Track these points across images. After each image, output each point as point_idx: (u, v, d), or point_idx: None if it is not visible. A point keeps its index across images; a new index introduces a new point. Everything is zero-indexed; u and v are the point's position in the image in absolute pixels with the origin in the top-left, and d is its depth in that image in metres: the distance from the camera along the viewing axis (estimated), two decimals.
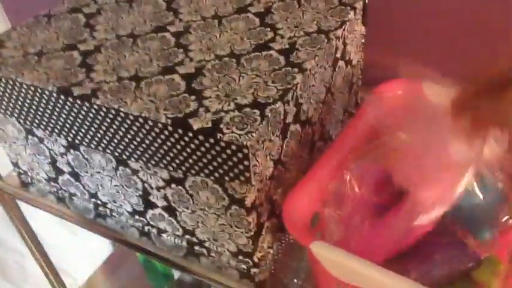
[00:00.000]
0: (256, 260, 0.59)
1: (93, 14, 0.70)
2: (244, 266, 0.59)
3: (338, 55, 0.64)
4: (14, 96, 0.61)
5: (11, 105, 0.62)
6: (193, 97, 0.53)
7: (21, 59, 0.62)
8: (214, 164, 0.51)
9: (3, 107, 0.64)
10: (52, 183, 0.72)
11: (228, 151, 0.49)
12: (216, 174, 0.52)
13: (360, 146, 0.57)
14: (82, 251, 1.22)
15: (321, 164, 0.56)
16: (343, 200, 0.52)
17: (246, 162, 0.48)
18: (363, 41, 0.72)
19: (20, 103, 0.61)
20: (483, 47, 0.67)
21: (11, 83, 0.59)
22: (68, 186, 0.70)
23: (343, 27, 0.63)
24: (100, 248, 1.20)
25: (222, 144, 0.48)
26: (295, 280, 0.62)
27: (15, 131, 0.67)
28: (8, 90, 0.61)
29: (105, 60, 0.60)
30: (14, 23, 1.01)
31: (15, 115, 0.63)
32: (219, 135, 0.48)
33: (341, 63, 0.66)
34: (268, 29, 0.63)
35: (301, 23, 0.64)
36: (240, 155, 0.48)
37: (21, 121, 0.64)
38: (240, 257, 0.59)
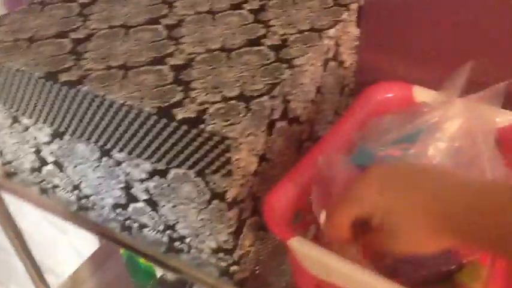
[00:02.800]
0: (236, 257, 0.57)
1: (88, 3, 0.69)
2: (223, 264, 0.58)
3: (330, 55, 0.64)
4: (1, 81, 0.60)
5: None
6: (180, 88, 0.53)
7: (12, 44, 0.61)
8: (197, 156, 0.50)
9: None
10: (36, 174, 0.71)
11: (211, 142, 0.48)
12: (198, 167, 0.51)
13: (345, 145, 0.57)
14: (67, 248, 1.21)
15: (306, 162, 0.55)
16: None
17: (228, 155, 0.48)
18: (357, 43, 0.71)
19: (7, 88, 0.61)
20: (478, 50, 0.66)
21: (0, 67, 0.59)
22: (51, 177, 0.69)
23: (336, 27, 0.62)
24: (85, 244, 1.19)
25: (205, 135, 0.48)
26: (280, 281, 0.61)
27: (1, 118, 0.66)
28: None
29: (95, 48, 0.60)
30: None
31: (2, 101, 0.63)
32: (202, 125, 0.47)
33: (333, 63, 0.66)
34: (261, 26, 0.63)
35: (295, 21, 0.63)
36: (222, 146, 0.47)
37: (8, 107, 0.63)
38: (220, 254, 0.58)
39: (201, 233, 0.58)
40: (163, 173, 0.55)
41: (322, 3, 0.66)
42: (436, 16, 0.70)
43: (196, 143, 0.49)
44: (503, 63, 0.65)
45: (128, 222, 0.64)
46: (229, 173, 0.49)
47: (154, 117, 0.50)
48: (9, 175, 0.74)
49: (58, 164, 0.66)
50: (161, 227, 0.62)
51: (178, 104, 0.50)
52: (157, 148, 0.52)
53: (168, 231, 0.61)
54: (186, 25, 0.64)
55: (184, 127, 0.49)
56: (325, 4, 0.66)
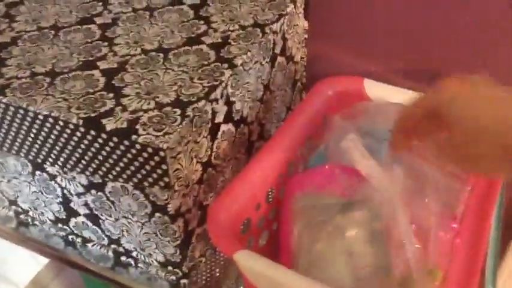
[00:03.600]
0: (185, 270, 0.54)
1: (15, 3, 0.64)
2: (173, 277, 0.55)
3: (277, 51, 0.61)
4: None
5: None
6: (111, 95, 0.49)
7: None
8: (132, 168, 0.46)
9: None
10: None
11: (145, 154, 0.44)
12: (135, 179, 0.47)
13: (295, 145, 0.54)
14: (22, 256, 1.15)
15: (253, 165, 0.51)
16: None
17: (164, 166, 0.44)
18: (306, 36, 0.68)
19: None
20: (428, 41, 0.64)
21: None
22: None
23: (281, 20, 0.59)
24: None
25: (138, 146, 0.44)
26: None
27: None
28: None
29: (20, 54, 0.55)
30: None
31: None
32: (133, 136, 0.44)
33: (281, 59, 0.62)
34: (202, 22, 0.59)
35: (237, 15, 0.60)
36: (157, 158, 0.44)
37: None
38: (169, 268, 0.55)
39: (147, 247, 0.54)
40: (100, 186, 0.51)
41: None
42: (387, 5, 0.68)
43: (130, 155, 0.45)
44: (454, 54, 0.64)
45: (71, 237, 0.60)
46: (168, 185, 0.46)
47: (82, 129, 0.46)
48: None
49: None
50: (105, 241, 0.58)
51: (109, 114, 0.46)
52: (90, 161, 0.48)
53: (113, 246, 0.58)
54: (121, 24, 0.59)
55: (115, 139, 0.45)
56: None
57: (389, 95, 0.56)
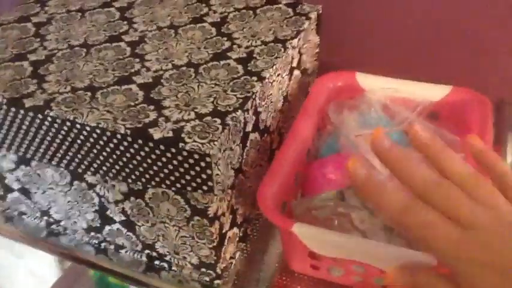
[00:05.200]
0: (219, 271, 0.58)
1: (43, 23, 0.67)
2: (207, 278, 0.58)
3: (294, 64, 0.65)
4: None
5: None
6: (152, 107, 0.52)
7: None
8: (176, 174, 0.50)
9: None
10: (0, 202, 0.68)
11: (191, 160, 0.48)
12: (178, 185, 0.51)
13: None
14: (27, 277, 1.15)
15: (285, 152, 0.58)
16: None
17: (208, 171, 0.48)
18: (317, 50, 0.73)
19: None
20: (433, 54, 0.70)
21: None
22: (17, 205, 0.66)
23: (299, 36, 0.64)
24: (46, 273, 1.14)
25: (184, 153, 0.48)
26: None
27: None
28: None
29: (57, 70, 0.58)
30: None
31: None
32: (181, 144, 0.47)
33: (297, 72, 0.67)
34: (225, 39, 0.63)
35: (258, 32, 0.64)
36: (202, 164, 0.48)
37: None
38: (203, 269, 0.58)
39: (182, 250, 0.58)
40: (140, 193, 0.54)
41: (283, 14, 0.68)
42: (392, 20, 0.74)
43: (175, 162, 0.49)
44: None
45: (103, 244, 0.63)
46: (210, 189, 0.49)
47: (129, 139, 0.49)
48: None
49: (24, 191, 0.63)
50: (139, 247, 0.61)
51: (153, 124, 0.50)
52: (134, 169, 0.52)
53: (146, 251, 0.61)
54: (149, 41, 0.63)
55: (162, 147, 0.48)
56: (286, 14, 0.68)
57: (380, 84, 0.65)
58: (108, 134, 0.50)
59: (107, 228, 0.61)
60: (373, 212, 0.53)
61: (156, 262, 0.61)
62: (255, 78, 0.56)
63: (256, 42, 0.62)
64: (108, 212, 0.59)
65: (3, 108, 0.54)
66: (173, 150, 0.48)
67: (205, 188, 0.49)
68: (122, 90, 0.55)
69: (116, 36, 0.64)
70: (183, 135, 0.48)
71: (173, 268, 0.60)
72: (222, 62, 0.59)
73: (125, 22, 0.67)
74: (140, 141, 0.49)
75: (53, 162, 0.56)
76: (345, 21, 0.75)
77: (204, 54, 0.61)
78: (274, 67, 0.58)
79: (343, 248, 0.48)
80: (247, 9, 0.69)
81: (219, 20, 0.67)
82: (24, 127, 0.55)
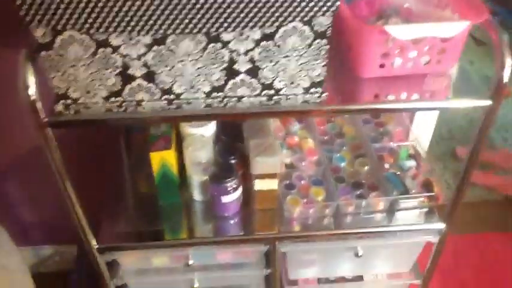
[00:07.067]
0: (324, 89, 0.79)
1: None
2: (315, 95, 0.79)
3: None
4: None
5: (85, 15, 0.66)
6: None
7: None
8: (303, 4, 0.68)
9: (75, 21, 0.66)
10: (113, 99, 0.75)
11: None
12: (307, 17, 0.69)
13: None
14: None
15: None
16: None
17: None
18: None
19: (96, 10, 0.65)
20: None
21: None
22: (134, 95, 0.75)
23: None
24: None
25: None
26: None
27: (81, 50, 0.69)
28: None
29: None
30: None
31: (88, 25, 0.67)
32: None
33: None
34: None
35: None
36: None
37: (94, 32, 0.67)
38: (312, 89, 0.78)
39: (297, 78, 0.76)
40: (271, 36, 0.71)
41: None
42: None
43: None
44: None
45: (225, 100, 0.78)
46: (334, 11, 0.69)
47: None
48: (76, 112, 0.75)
49: (148, 75, 0.73)
50: (258, 91, 0.78)
51: None
52: (267, 11, 0.68)
53: (264, 92, 0.78)
54: None
55: None
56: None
57: None
58: None
59: (231, 82, 0.76)
60: None
61: (275, 98, 0.78)
62: None
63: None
64: (235, 66, 0.74)
65: None
66: None
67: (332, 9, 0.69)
68: None
69: None
70: None
71: (288, 98, 0.78)
72: None
73: None
74: None
75: (187, 31, 0.68)
76: None
77: None
78: None
79: None
80: None
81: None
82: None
